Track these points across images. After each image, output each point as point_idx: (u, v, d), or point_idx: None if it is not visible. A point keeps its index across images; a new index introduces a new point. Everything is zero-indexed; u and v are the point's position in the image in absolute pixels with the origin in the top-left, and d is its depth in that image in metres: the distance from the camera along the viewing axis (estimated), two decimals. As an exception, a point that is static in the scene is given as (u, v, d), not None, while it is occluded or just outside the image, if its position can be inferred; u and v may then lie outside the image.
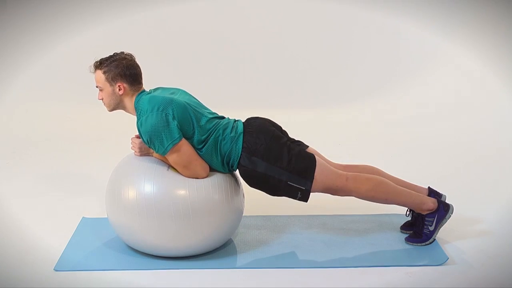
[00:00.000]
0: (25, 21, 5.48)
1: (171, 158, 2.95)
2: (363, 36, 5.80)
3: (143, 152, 3.08)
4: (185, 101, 3.02)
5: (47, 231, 3.37)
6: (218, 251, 3.13)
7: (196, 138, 2.99)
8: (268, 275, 2.94)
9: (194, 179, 2.97)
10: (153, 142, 2.92)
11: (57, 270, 2.94)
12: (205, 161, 3.03)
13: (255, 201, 3.57)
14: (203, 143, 3.01)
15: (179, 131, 2.93)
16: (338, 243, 3.21)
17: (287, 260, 3.06)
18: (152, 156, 3.08)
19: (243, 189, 3.19)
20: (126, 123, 4.16)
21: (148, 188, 2.91)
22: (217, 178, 3.02)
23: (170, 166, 3.02)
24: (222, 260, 3.06)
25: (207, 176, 3.01)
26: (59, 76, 5.60)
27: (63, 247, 3.16)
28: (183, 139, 2.95)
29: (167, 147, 2.92)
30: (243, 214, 3.32)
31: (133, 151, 3.11)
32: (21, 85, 5.52)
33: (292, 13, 5.74)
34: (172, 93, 3.09)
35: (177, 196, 2.90)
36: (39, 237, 3.30)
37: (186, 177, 2.97)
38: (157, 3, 5.61)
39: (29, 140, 4.95)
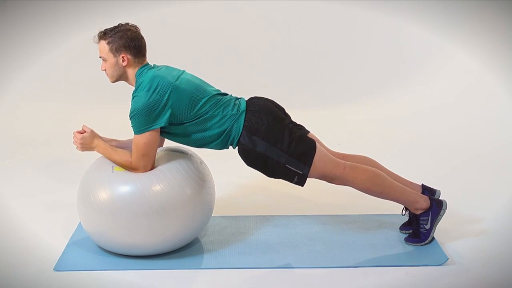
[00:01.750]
0: (25, 21, 5.48)
1: (138, 140, 2.94)
2: (364, 36, 5.80)
3: (85, 147, 3.08)
4: (186, 87, 3.00)
5: (47, 231, 3.37)
6: (218, 251, 3.13)
7: (191, 117, 2.99)
8: (268, 275, 2.94)
9: (149, 173, 2.95)
10: (135, 118, 2.93)
11: (57, 270, 2.94)
12: (200, 137, 3.02)
13: (255, 201, 3.58)
14: (198, 117, 3.00)
15: (164, 120, 2.94)
16: (338, 243, 3.21)
17: (287, 260, 3.06)
18: (95, 151, 3.08)
19: (213, 178, 3.19)
20: (126, 123, 4.15)
21: (107, 191, 2.90)
22: (185, 173, 3.01)
23: (114, 166, 3.00)
24: (222, 260, 3.06)
25: (144, 171, 2.97)
26: (59, 76, 5.60)
27: (63, 247, 3.16)
28: (159, 129, 2.95)
29: (144, 129, 2.92)
30: (243, 215, 3.33)
31: (76, 146, 3.10)
32: (21, 85, 5.52)
33: (294, 13, 5.74)
34: (175, 74, 3.06)
35: (149, 193, 2.90)
36: (39, 237, 3.30)
37: (131, 166, 2.96)
38: (158, 2, 5.61)
39: (29, 140, 4.95)
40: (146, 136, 2.93)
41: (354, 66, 5.77)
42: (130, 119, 2.96)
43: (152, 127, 2.93)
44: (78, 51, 5.43)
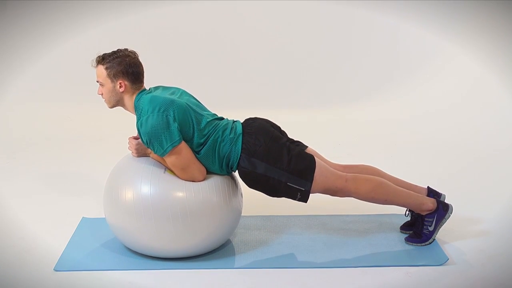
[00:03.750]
0: (25, 21, 5.48)
1: (169, 160, 2.94)
2: (363, 37, 5.80)
3: (140, 153, 3.07)
4: (186, 103, 3.02)
5: (47, 231, 3.37)
6: (218, 252, 3.13)
7: (195, 140, 2.99)
8: (268, 275, 2.94)
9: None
10: (152, 143, 2.91)
11: (57, 270, 2.94)
12: (203, 164, 3.02)
13: (255, 201, 3.57)
14: (202, 145, 3.01)
15: (179, 133, 2.92)
16: (338, 243, 3.21)
17: (287, 260, 3.06)
18: (150, 156, 3.07)
19: (241, 190, 3.19)
20: (126, 123, 4.16)
21: (145, 189, 2.90)
22: (215, 180, 3.02)
23: (167, 169, 3.00)
24: (222, 260, 3.06)
25: (203, 180, 3.00)
26: (59, 76, 5.60)
27: (63, 247, 3.16)
28: (183, 142, 2.95)
29: (166, 149, 2.91)
30: (243, 214, 3.33)
31: (130, 151, 3.11)
32: (21, 85, 5.52)
33: (292, 13, 5.74)
34: (172, 93, 3.08)
35: (175, 198, 2.90)
36: (39, 237, 3.30)
37: (182, 179, 2.96)
38: (157, 3, 5.61)
39: (29, 140, 4.95)
40: (174, 155, 2.91)
41: (354, 66, 5.77)
42: (150, 146, 2.93)
43: (174, 144, 2.91)
44: (78, 51, 5.43)
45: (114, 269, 2.97)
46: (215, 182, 3.00)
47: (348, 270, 2.96)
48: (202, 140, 3.00)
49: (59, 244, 3.19)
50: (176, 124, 2.91)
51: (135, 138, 3.09)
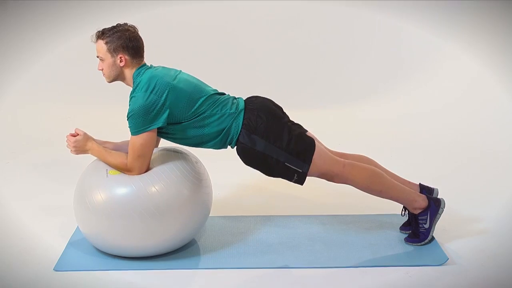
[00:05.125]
0: (25, 21, 5.48)
1: (135, 141, 2.93)
2: (364, 36, 5.79)
3: (79, 150, 3.07)
4: (184, 86, 3.00)
5: (47, 231, 3.37)
6: (217, 252, 3.13)
7: (191, 122, 2.99)
8: (268, 275, 2.94)
9: (147, 175, 2.95)
10: (132, 119, 2.92)
11: (57, 270, 2.94)
12: (199, 135, 3.01)
13: (255, 201, 3.58)
14: (196, 116, 2.99)
15: (162, 120, 2.93)
16: (338, 243, 3.21)
17: (287, 260, 3.06)
18: (89, 153, 3.07)
19: (208, 174, 3.18)
20: (125, 124, 4.15)
21: (102, 194, 2.90)
22: (181, 173, 3.00)
23: (109, 170, 2.99)
24: (222, 260, 3.05)
25: (139, 173, 2.97)
26: (59, 76, 5.60)
27: (63, 247, 3.16)
28: (156, 130, 2.95)
29: (141, 130, 2.91)
30: (243, 214, 3.33)
31: (69, 150, 3.10)
32: (21, 85, 5.52)
33: (293, 13, 5.74)
34: (172, 75, 3.05)
35: (146, 195, 2.89)
36: (39, 237, 3.30)
37: (126, 168, 2.95)
38: (158, 3, 5.61)
39: (29, 140, 4.95)
40: (143, 137, 2.93)
41: (354, 66, 5.77)
42: (127, 119, 2.95)
43: (150, 128, 2.92)
44: (78, 51, 5.42)
45: (114, 269, 2.97)
46: (181, 173, 2.99)
47: (348, 270, 2.96)
48: (198, 118, 2.99)
49: (59, 244, 3.19)
50: (165, 109, 2.92)
51: (73, 135, 3.08)
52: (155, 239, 2.95)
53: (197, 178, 3.04)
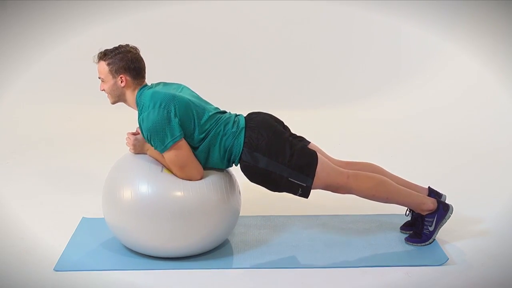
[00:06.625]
0: (25, 21, 5.48)
1: (169, 156, 2.93)
2: (364, 36, 5.80)
3: (138, 149, 3.07)
4: (188, 98, 3.01)
5: (47, 231, 3.37)
6: (217, 251, 3.13)
7: (196, 135, 2.98)
8: (268, 275, 2.94)
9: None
10: (153, 139, 2.91)
11: (57, 270, 2.94)
12: (204, 158, 3.02)
13: (255, 201, 3.58)
14: (203, 140, 3.00)
15: (180, 129, 2.92)
16: (338, 243, 3.21)
17: (287, 260, 3.06)
18: (147, 154, 3.06)
19: (239, 187, 3.18)
20: (126, 124, 4.15)
21: (143, 189, 2.89)
22: (213, 178, 3.01)
23: (164, 167, 3.00)
24: (221, 260, 3.05)
25: (201, 179, 2.99)
26: (59, 76, 5.60)
27: (63, 247, 3.16)
28: (183, 139, 2.95)
29: (167, 145, 2.90)
30: (243, 214, 3.32)
31: (128, 148, 3.10)
32: (21, 85, 5.52)
33: (294, 13, 5.74)
34: (174, 89, 3.08)
35: (173, 197, 2.89)
36: (39, 237, 3.30)
37: (180, 178, 2.95)
38: (158, 2, 5.61)
39: (29, 140, 4.95)
40: (173, 151, 2.91)
41: (354, 66, 5.77)
42: (149, 142, 2.93)
43: (175, 140, 2.91)
44: (78, 51, 5.42)
45: (114, 269, 2.97)
46: (213, 180, 3.00)
47: (348, 270, 2.96)
48: (202, 135, 2.99)
49: (59, 244, 3.19)
50: (177, 120, 2.91)
51: (134, 134, 3.09)
52: (181, 242, 2.96)
53: (228, 188, 3.06)
